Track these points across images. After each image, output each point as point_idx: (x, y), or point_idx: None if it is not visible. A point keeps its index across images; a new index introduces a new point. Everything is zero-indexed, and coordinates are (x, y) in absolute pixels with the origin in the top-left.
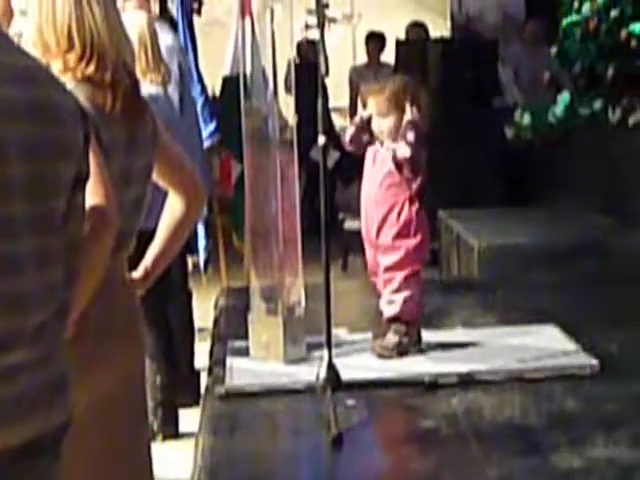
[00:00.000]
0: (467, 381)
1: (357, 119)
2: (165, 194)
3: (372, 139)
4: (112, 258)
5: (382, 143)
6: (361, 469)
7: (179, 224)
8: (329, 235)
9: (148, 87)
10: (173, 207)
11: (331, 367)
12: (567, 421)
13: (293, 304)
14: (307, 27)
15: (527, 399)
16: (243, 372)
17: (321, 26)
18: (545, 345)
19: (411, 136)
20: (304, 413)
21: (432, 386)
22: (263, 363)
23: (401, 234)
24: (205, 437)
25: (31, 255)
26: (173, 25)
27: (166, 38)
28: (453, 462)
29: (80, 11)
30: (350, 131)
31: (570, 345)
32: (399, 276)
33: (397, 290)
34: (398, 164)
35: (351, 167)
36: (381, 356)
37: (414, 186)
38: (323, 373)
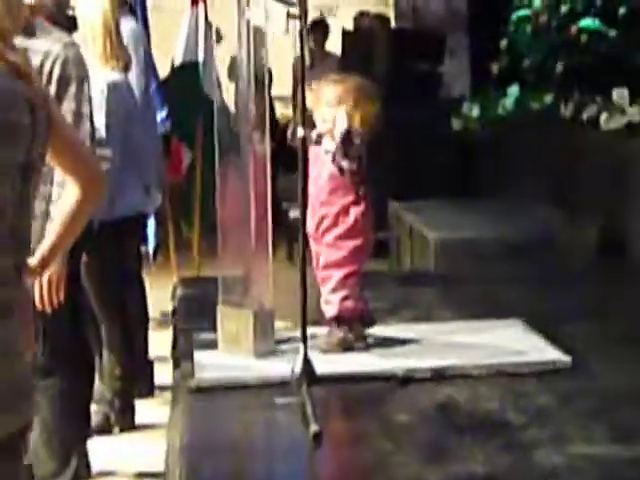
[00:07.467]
0: (441, 376)
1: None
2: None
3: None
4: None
5: (317, 139)
6: (341, 464)
7: (75, 211)
8: (304, 226)
9: (109, 74)
10: (70, 193)
11: (307, 361)
12: (544, 417)
13: (262, 297)
14: (289, 16)
15: (502, 395)
16: (213, 366)
17: (303, 17)
18: (513, 340)
19: (353, 150)
20: (279, 407)
21: (406, 380)
22: (232, 356)
23: (344, 236)
24: (178, 433)
25: None
26: (131, 11)
27: (131, 24)
28: (435, 457)
29: None
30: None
31: (537, 340)
32: (336, 275)
33: (334, 290)
34: (340, 168)
35: (290, 156)
36: (325, 352)
37: (360, 187)
38: (298, 367)
